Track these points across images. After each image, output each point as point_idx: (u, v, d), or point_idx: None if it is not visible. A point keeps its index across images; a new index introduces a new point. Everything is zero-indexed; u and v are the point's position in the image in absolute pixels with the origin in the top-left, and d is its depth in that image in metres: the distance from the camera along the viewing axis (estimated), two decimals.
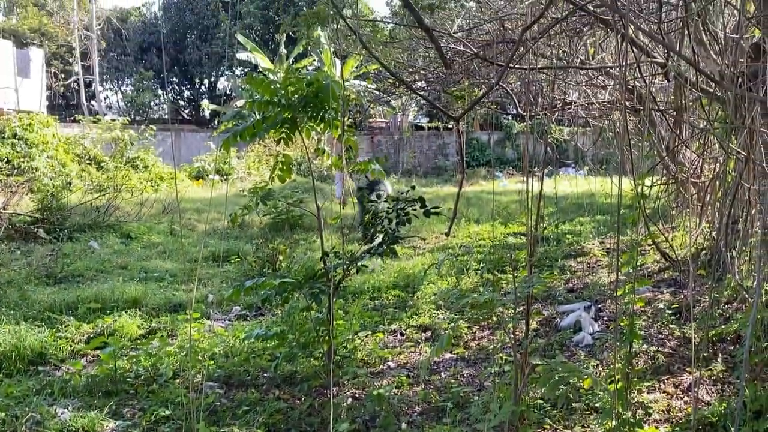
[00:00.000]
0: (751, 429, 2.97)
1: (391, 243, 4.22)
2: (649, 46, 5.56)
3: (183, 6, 33.53)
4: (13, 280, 6.22)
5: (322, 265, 4.17)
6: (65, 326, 5.24)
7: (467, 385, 4.13)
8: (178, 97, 37.16)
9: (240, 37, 23.37)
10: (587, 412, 3.49)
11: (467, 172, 23.16)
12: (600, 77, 7.54)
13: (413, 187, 4.52)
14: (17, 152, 15.15)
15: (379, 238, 4.24)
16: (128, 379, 4.11)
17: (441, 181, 22.44)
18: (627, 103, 6.36)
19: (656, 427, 3.28)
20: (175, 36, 33.55)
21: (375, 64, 13.40)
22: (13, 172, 13.78)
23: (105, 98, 36.30)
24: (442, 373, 4.42)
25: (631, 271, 3.19)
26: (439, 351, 2.63)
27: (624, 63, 3.45)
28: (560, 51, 6.83)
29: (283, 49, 23.40)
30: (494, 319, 5.48)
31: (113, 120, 19.41)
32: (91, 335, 5.04)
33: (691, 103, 5.55)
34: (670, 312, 5.11)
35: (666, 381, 3.93)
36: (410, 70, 9.78)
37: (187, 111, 36.88)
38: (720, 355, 4.13)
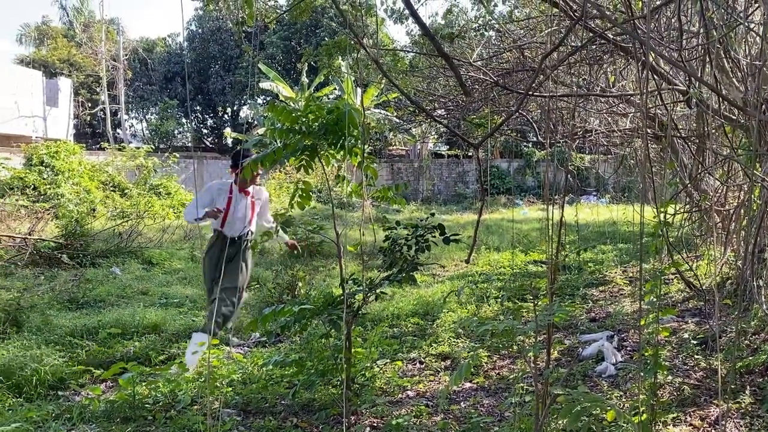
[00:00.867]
0: None
1: (410, 270, 4.20)
2: (671, 73, 5.54)
3: (207, 37, 34.26)
4: (37, 305, 6.28)
5: (341, 292, 4.16)
6: (86, 351, 5.26)
7: (487, 415, 4.06)
8: (202, 125, 37.78)
9: (262, 67, 23.79)
10: None
11: (487, 200, 23.11)
12: (621, 105, 7.51)
13: (432, 214, 4.50)
14: (44, 179, 15.45)
15: (399, 265, 4.22)
16: (146, 405, 4.10)
17: (461, 208, 22.40)
18: (648, 131, 6.33)
19: None
20: (199, 66, 34.24)
21: (395, 92, 13.51)
22: (39, 199, 14.05)
23: (130, 126, 36.99)
24: (462, 403, 4.35)
25: (654, 300, 3.13)
26: (458, 380, 2.59)
27: (645, 90, 3.43)
28: (580, 79, 6.84)
29: (304, 78, 23.74)
30: (515, 348, 5.43)
31: (137, 148, 19.76)
32: (111, 360, 5.06)
33: (713, 131, 5.50)
34: (695, 342, 5.00)
35: (692, 413, 3.83)
36: (430, 98, 9.86)
37: (209, 139, 37.43)
38: (748, 387, 4.02)
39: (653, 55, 4.65)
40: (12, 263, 8.73)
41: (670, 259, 5.81)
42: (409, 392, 4.57)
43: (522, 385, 4.46)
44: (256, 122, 28.72)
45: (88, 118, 33.51)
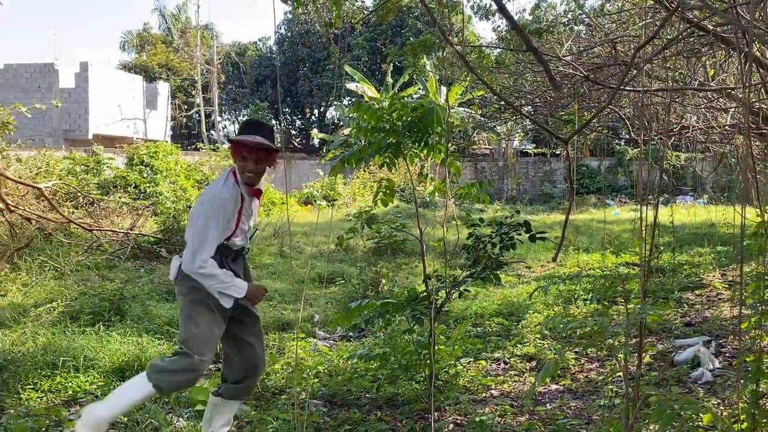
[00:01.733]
0: None
1: (494, 268, 4.15)
2: None
3: (296, 40, 35.18)
4: (138, 295, 6.68)
5: (424, 288, 4.18)
6: None
7: (574, 417, 3.96)
8: (290, 126, 38.83)
9: (348, 69, 24.18)
10: None
11: (576, 200, 22.47)
12: (721, 99, 7.13)
13: (518, 212, 4.44)
14: (144, 178, 16.38)
15: (482, 263, 4.19)
16: None
17: (547, 208, 21.89)
18: (751, 126, 5.96)
19: None
20: (288, 68, 35.20)
21: (480, 90, 13.37)
22: (139, 196, 14.90)
23: (223, 128, 38.52)
24: (548, 404, 4.27)
25: (756, 303, 2.96)
26: (545, 378, 2.55)
27: (748, 83, 3.24)
28: (677, 73, 6.54)
29: (389, 78, 23.92)
30: (603, 350, 5.26)
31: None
32: None
33: None
34: None
35: None
36: (517, 94, 9.71)
37: (298, 140, 38.41)
38: None
39: (757, 45, 4.38)
40: (116, 256, 9.31)
41: None
42: (493, 391, 4.53)
43: (611, 387, 4.32)
44: (341, 123, 29.23)
45: (184, 120, 35.22)
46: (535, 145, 28.34)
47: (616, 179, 25.47)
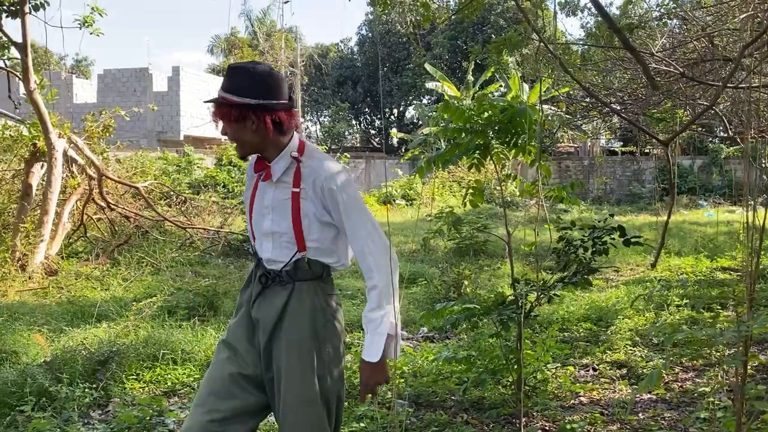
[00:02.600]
0: None
1: (586, 273, 4.05)
2: None
3: (377, 40, 35.47)
4: (229, 291, 6.93)
5: (511, 292, 4.13)
6: None
7: (669, 429, 3.81)
8: (370, 126, 39.24)
9: (428, 67, 24.16)
10: None
11: (666, 200, 21.54)
12: None
13: (611, 215, 4.31)
14: (232, 177, 17.01)
15: (573, 268, 4.09)
16: None
17: (635, 209, 21.07)
18: None
19: None
20: (368, 69, 35.56)
21: (566, 87, 13.03)
22: (228, 195, 15.48)
23: (305, 129, 39.38)
24: (640, 414, 4.12)
25: None
26: (645, 387, 2.47)
27: None
28: None
29: (470, 77, 23.73)
30: (701, 359, 5.02)
31: None
32: None
33: None
34: None
35: None
36: (605, 91, 9.40)
37: (377, 140, 38.76)
38: None
39: None
40: (207, 253, 9.71)
41: None
42: (582, 398, 4.42)
43: (712, 399, 4.12)
44: (421, 122, 29.26)
45: None
46: (622, 143, 27.38)
47: (710, 179, 24.21)
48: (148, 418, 3.68)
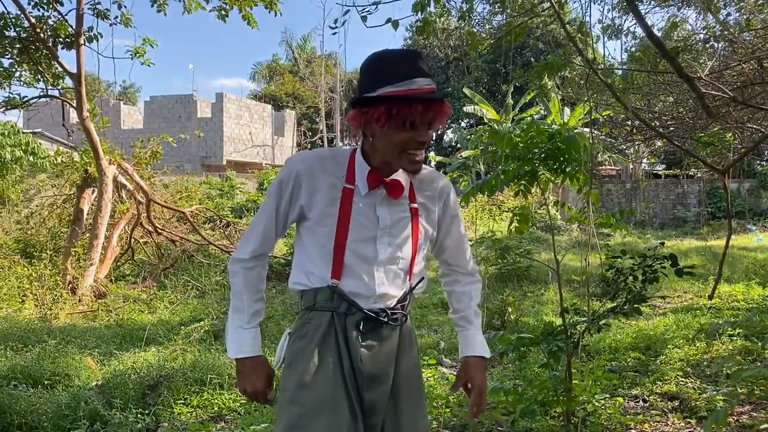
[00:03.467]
0: None
1: (636, 302, 3.97)
2: None
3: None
4: (272, 316, 7.00)
5: (559, 321, 4.06)
6: None
7: None
8: None
9: (467, 91, 24.21)
10: None
11: (713, 224, 21.00)
12: None
13: (662, 244, 4.22)
14: None
15: (624, 297, 4.01)
16: None
17: (680, 233, 20.58)
18: None
19: None
20: None
21: (607, 110, 12.90)
22: None
23: None
24: None
25: None
26: (711, 426, 2.39)
27: None
28: None
29: (509, 100, 23.70)
30: (757, 393, 4.84)
31: None
32: None
33: None
34: None
35: None
36: (650, 115, 9.28)
37: None
38: None
39: None
40: None
41: None
42: (632, 431, 4.30)
43: None
44: (459, 145, 29.24)
45: (309, 146, 36.72)
46: (665, 166, 26.87)
47: (759, 203, 23.53)
48: None
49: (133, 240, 9.80)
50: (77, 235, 8.72)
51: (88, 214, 9.02)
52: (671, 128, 9.65)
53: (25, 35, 8.17)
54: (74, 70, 8.33)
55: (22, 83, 8.77)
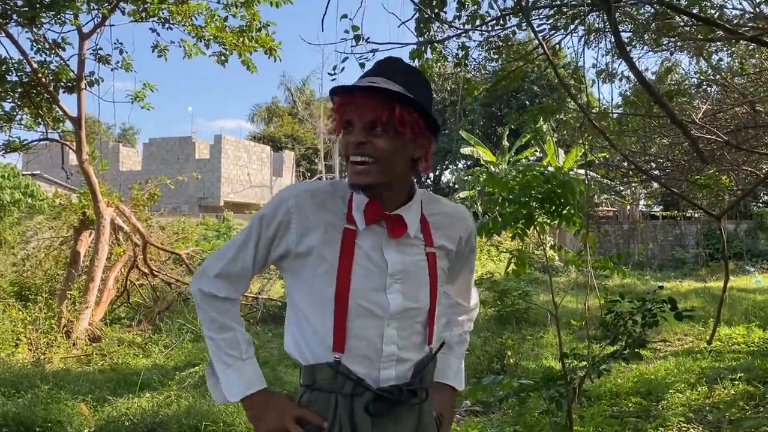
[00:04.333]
0: None
1: (636, 346, 3.93)
2: None
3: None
4: (268, 362, 6.90)
5: (559, 366, 4.02)
6: None
7: None
8: None
9: (463, 134, 24.48)
10: None
11: (711, 266, 20.99)
12: None
13: (661, 287, 4.20)
14: None
15: (623, 341, 3.98)
16: None
17: (679, 275, 20.51)
18: None
19: None
20: None
21: (603, 152, 13.03)
22: None
23: None
24: None
25: None
26: None
27: None
28: None
29: (505, 142, 23.97)
30: None
31: None
32: None
33: None
34: None
35: None
36: (645, 157, 9.38)
37: None
38: None
39: None
40: (246, 320, 9.73)
41: None
42: None
43: None
44: (457, 186, 29.38)
45: None
46: (662, 207, 26.99)
47: (756, 244, 23.56)
48: None
49: (129, 282, 9.74)
50: (74, 277, 8.67)
51: (84, 256, 8.99)
52: (667, 170, 9.74)
53: (26, 80, 8.27)
54: (75, 114, 8.41)
55: (22, 126, 8.84)
